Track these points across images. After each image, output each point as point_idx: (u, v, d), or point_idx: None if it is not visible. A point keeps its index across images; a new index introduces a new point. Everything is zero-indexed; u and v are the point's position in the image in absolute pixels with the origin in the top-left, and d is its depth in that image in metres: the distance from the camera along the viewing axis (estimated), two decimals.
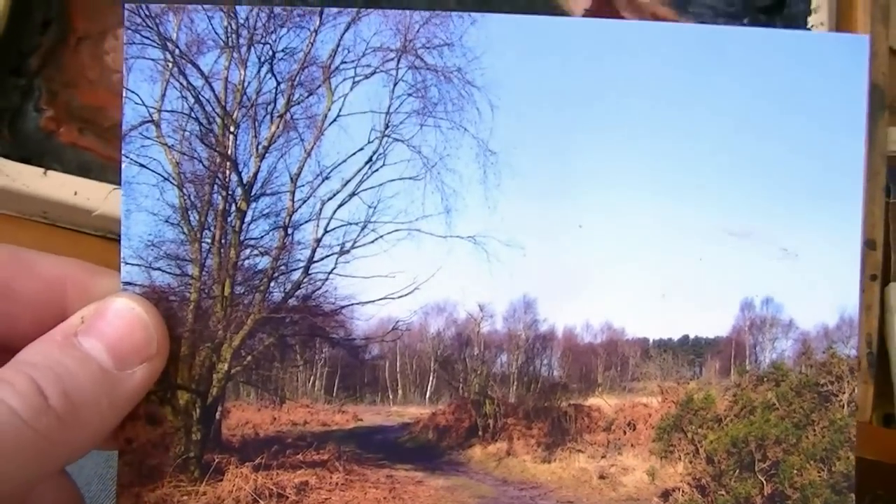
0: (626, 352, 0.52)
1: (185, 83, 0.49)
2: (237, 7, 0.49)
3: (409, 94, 0.50)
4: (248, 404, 0.51)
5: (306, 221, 0.50)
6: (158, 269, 0.49)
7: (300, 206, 0.50)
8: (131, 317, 0.46)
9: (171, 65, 0.49)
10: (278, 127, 0.50)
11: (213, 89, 0.49)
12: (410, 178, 0.50)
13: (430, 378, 0.54)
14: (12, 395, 0.41)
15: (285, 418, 0.51)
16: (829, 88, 0.49)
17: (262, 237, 0.50)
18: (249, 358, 0.50)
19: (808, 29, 0.81)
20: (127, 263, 0.49)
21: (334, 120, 0.50)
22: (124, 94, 0.49)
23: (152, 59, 0.49)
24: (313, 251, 0.50)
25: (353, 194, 0.50)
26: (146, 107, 0.49)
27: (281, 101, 0.50)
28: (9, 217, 0.77)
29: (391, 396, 0.54)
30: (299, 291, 0.50)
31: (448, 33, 0.49)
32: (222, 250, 0.50)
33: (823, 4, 0.81)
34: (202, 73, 0.49)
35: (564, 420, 0.52)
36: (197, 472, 0.49)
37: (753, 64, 0.49)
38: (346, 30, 0.49)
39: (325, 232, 0.50)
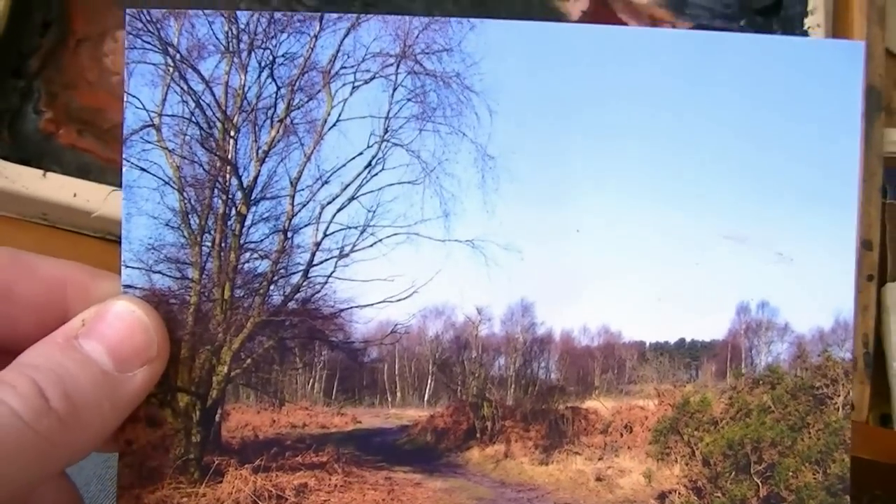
0: (622, 355, 0.52)
1: (185, 88, 0.49)
2: (238, 12, 0.49)
3: (409, 99, 0.50)
4: (247, 407, 0.51)
5: (306, 225, 0.50)
6: (159, 272, 0.49)
7: (300, 210, 0.50)
8: (132, 319, 0.46)
9: (171, 69, 0.49)
10: (278, 131, 0.50)
11: (213, 94, 0.49)
12: (409, 183, 0.50)
13: (429, 381, 0.54)
14: (14, 396, 0.41)
15: (284, 420, 0.51)
16: (824, 94, 0.49)
17: (261, 241, 0.50)
18: (249, 361, 0.50)
19: (805, 31, 0.81)
20: (127, 266, 0.49)
21: (334, 124, 0.50)
22: (125, 99, 0.49)
23: (153, 64, 0.49)
24: (313, 255, 0.50)
25: (352, 198, 0.50)
26: (147, 111, 0.49)
27: (281, 106, 0.50)
28: (8, 219, 0.77)
29: (390, 399, 0.54)
30: (299, 295, 0.50)
31: (447, 39, 0.49)
32: (222, 254, 0.50)
33: (820, 6, 0.81)
34: (203, 78, 0.49)
35: (562, 422, 0.52)
36: (197, 473, 0.50)
37: (749, 70, 0.49)
38: (346, 35, 0.49)
39: (325, 236, 0.50)
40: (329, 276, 0.50)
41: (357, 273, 0.50)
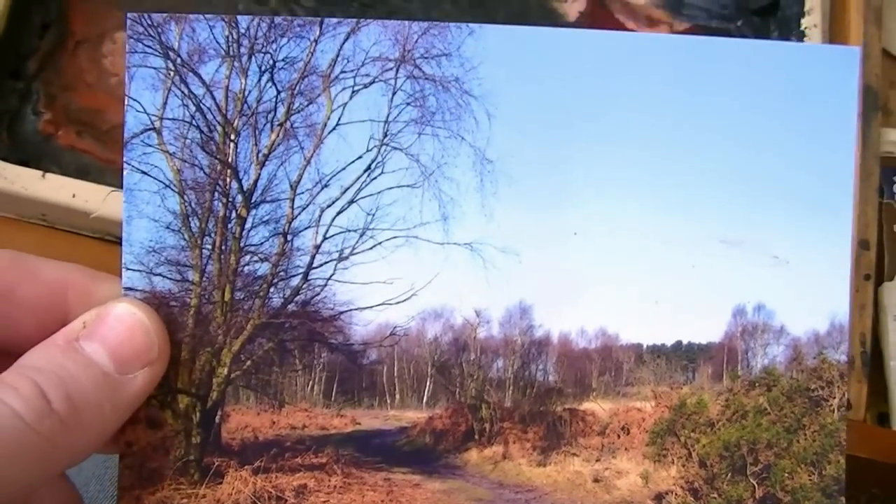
0: (620, 357, 0.52)
1: (186, 91, 0.49)
2: (238, 17, 0.49)
3: (408, 104, 0.50)
4: (247, 408, 0.51)
5: (306, 228, 0.50)
6: (159, 274, 0.49)
7: (300, 213, 0.50)
8: (133, 322, 0.47)
9: (172, 73, 0.49)
10: (278, 135, 0.50)
11: (214, 98, 0.49)
12: (408, 186, 0.50)
13: (428, 383, 0.54)
14: (16, 398, 0.41)
15: (284, 422, 0.52)
16: (820, 99, 0.49)
17: (261, 243, 0.50)
18: (249, 362, 0.51)
19: (802, 31, 0.81)
20: (128, 269, 0.49)
21: (334, 128, 0.50)
22: (126, 102, 0.49)
23: (154, 68, 0.49)
24: (312, 257, 0.50)
25: (351, 202, 0.50)
26: (148, 115, 0.49)
27: (281, 110, 0.50)
28: (8, 219, 0.77)
29: (389, 401, 0.55)
30: (298, 297, 0.51)
31: (446, 44, 0.49)
32: (222, 256, 0.50)
33: (817, 7, 0.81)
34: (203, 82, 0.49)
35: (559, 424, 0.52)
36: (197, 475, 0.50)
37: (745, 75, 0.50)
38: (346, 40, 0.50)
39: (324, 239, 0.50)
40: (328, 279, 0.50)
41: (356, 276, 0.50)
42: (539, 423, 0.52)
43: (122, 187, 0.49)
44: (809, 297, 0.50)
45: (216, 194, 0.50)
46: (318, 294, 0.50)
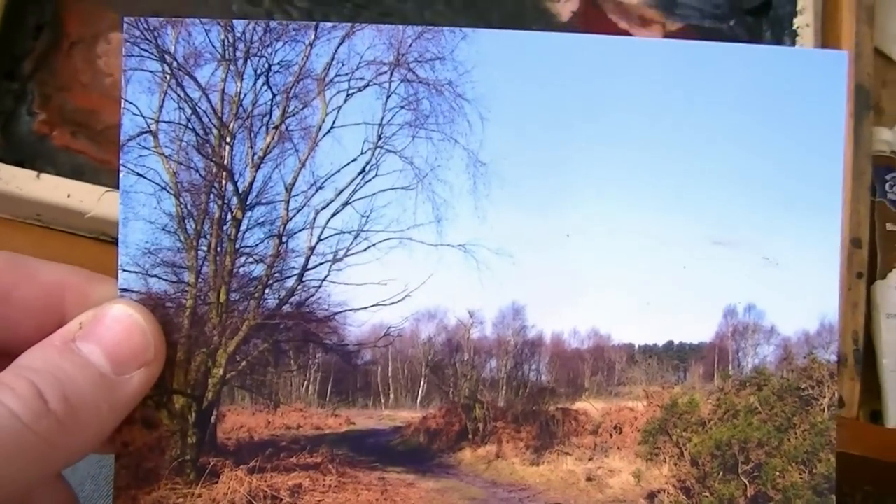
0: (612, 357, 0.52)
1: (182, 95, 0.49)
2: (234, 21, 0.50)
3: (402, 107, 0.50)
4: (242, 408, 0.51)
5: (300, 230, 0.51)
6: (155, 276, 0.49)
7: (294, 215, 0.50)
8: (129, 322, 0.47)
9: (168, 77, 0.49)
10: (273, 138, 0.50)
11: (209, 101, 0.50)
12: (402, 188, 0.50)
13: (422, 383, 0.54)
14: (13, 398, 0.41)
15: (279, 422, 0.52)
16: (810, 102, 0.50)
17: (257, 245, 0.51)
18: (244, 363, 0.51)
19: (794, 30, 0.82)
20: (124, 270, 0.49)
21: (328, 131, 0.50)
22: (122, 105, 0.49)
23: (150, 71, 0.49)
24: (307, 259, 0.51)
25: (346, 203, 0.50)
26: (144, 118, 0.49)
27: (276, 113, 0.50)
28: (3, 220, 0.77)
29: (383, 401, 0.55)
30: (293, 298, 0.51)
31: (440, 47, 0.50)
32: (218, 258, 0.50)
33: (809, 6, 0.82)
34: (199, 85, 0.49)
35: (552, 423, 0.52)
36: (192, 474, 0.50)
37: (737, 78, 0.50)
38: (341, 44, 0.50)
39: (319, 240, 0.50)
40: (323, 280, 0.51)
41: (351, 277, 0.50)
42: (532, 422, 0.52)
43: (116, 187, 0.49)
44: (799, 297, 0.50)
45: (212, 196, 0.50)
46: (312, 295, 0.51)
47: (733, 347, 0.51)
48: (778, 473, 0.50)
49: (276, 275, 0.51)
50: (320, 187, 0.50)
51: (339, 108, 0.50)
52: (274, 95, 0.50)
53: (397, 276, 0.50)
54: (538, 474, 0.52)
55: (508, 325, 0.51)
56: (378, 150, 0.50)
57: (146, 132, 0.49)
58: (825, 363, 0.51)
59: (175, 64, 0.49)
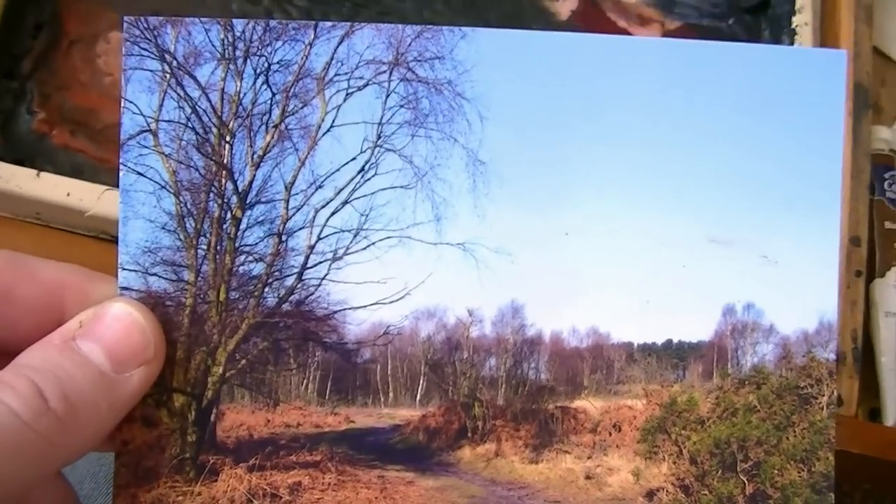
0: (611, 356, 0.52)
1: (182, 94, 0.49)
2: (234, 20, 0.50)
3: (401, 106, 0.50)
4: (242, 407, 0.51)
5: (300, 228, 0.51)
6: (155, 274, 0.49)
7: (294, 214, 0.50)
8: (129, 321, 0.47)
9: (168, 76, 0.49)
10: (273, 137, 0.50)
11: (209, 100, 0.50)
12: (402, 187, 0.50)
13: (421, 381, 0.54)
14: (13, 396, 0.42)
15: (279, 420, 0.52)
16: (808, 101, 0.50)
17: (256, 244, 0.51)
18: (244, 361, 0.51)
19: (793, 29, 0.82)
20: (124, 269, 0.49)
21: (328, 130, 0.50)
22: (122, 104, 0.49)
23: (150, 71, 0.49)
24: (307, 257, 0.51)
25: (345, 202, 0.50)
26: (144, 117, 0.49)
27: (276, 112, 0.50)
28: (2, 218, 0.77)
29: (382, 399, 0.55)
30: (293, 297, 0.51)
31: (439, 47, 0.50)
32: (218, 256, 0.50)
33: (807, 5, 0.82)
34: (199, 85, 0.50)
35: (551, 422, 0.52)
36: (192, 472, 0.50)
37: (735, 78, 0.50)
38: (340, 43, 0.50)
39: (319, 239, 0.50)
40: (323, 279, 0.51)
41: (350, 275, 0.50)
42: (531, 420, 0.52)
43: (116, 186, 0.49)
44: (798, 296, 0.50)
45: (211, 195, 0.50)
46: (312, 294, 0.51)
47: (732, 346, 0.51)
48: (777, 472, 0.50)
49: (276, 273, 0.51)
50: (320, 186, 0.50)
51: (339, 107, 0.50)
52: (273, 94, 0.50)
53: (397, 275, 0.50)
54: (537, 472, 0.52)
55: (508, 324, 0.51)
56: (377, 148, 0.50)
57: (146, 131, 0.49)
58: (824, 361, 0.51)
59: (175, 63, 0.49)
